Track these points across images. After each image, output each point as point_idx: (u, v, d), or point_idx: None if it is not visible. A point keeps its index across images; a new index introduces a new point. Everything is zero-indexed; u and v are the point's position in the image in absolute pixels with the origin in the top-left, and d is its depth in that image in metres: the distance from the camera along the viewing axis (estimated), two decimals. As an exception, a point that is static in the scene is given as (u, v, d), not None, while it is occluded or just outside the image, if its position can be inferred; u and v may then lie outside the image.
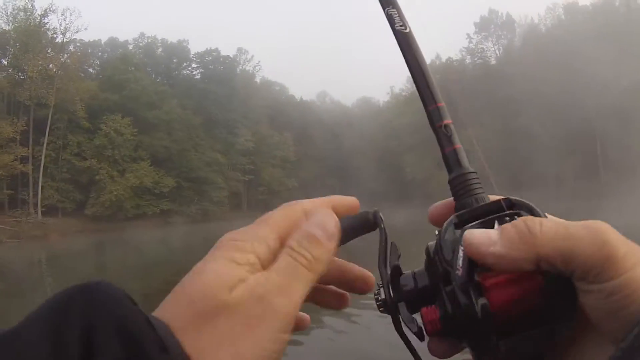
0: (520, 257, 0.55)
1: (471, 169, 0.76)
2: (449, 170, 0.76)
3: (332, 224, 0.62)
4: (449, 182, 0.74)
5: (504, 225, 0.59)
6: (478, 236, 0.58)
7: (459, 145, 0.81)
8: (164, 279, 22.21)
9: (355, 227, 0.66)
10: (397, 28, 0.86)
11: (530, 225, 0.56)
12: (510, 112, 74.48)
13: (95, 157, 65.35)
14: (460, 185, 0.75)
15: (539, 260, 0.55)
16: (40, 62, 60.23)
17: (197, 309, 0.52)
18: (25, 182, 60.73)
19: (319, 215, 0.63)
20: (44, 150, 60.87)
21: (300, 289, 0.57)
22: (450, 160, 0.76)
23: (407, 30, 0.87)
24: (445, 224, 0.66)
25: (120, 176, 66.11)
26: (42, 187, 60.02)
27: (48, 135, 61.68)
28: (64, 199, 63.05)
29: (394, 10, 0.87)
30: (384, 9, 0.87)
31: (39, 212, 59.51)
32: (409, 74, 0.74)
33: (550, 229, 0.56)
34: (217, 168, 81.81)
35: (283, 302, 0.54)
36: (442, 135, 0.77)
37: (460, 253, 0.59)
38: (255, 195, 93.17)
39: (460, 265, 0.59)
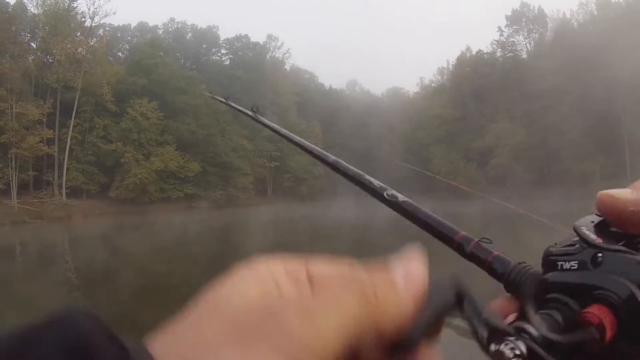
0: None
1: (517, 261, 0.71)
2: (498, 276, 0.72)
3: (421, 276, 0.51)
4: (506, 288, 0.68)
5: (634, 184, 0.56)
6: (616, 190, 0.54)
7: (496, 252, 0.78)
8: (167, 269, 22.26)
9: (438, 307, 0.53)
10: (400, 200, 0.88)
11: None
12: (539, 107, 73.17)
13: (120, 140, 65.33)
14: (519, 276, 0.69)
15: None
16: (68, 46, 60.38)
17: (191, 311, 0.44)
18: (51, 164, 60.96)
19: (410, 261, 0.52)
20: (70, 133, 60.98)
21: (334, 323, 0.43)
22: (496, 266, 0.72)
23: (406, 199, 0.88)
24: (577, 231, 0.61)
25: (145, 160, 66.06)
26: (67, 169, 60.17)
27: (74, 118, 61.74)
28: (88, 181, 63.23)
29: (392, 189, 0.90)
30: (382, 193, 0.90)
31: (64, 193, 59.84)
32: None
33: None
34: (243, 154, 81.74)
35: (303, 331, 0.42)
36: (479, 251, 0.75)
37: (592, 232, 0.56)
38: (280, 182, 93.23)
39: (597, 235, 0.55)
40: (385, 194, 0.89)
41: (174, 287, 17.93)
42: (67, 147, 60.61)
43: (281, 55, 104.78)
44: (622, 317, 0.51)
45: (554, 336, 0.52)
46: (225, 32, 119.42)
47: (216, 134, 76.60)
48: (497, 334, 0.52)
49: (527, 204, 58.73)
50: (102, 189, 64.40)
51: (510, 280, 0.70)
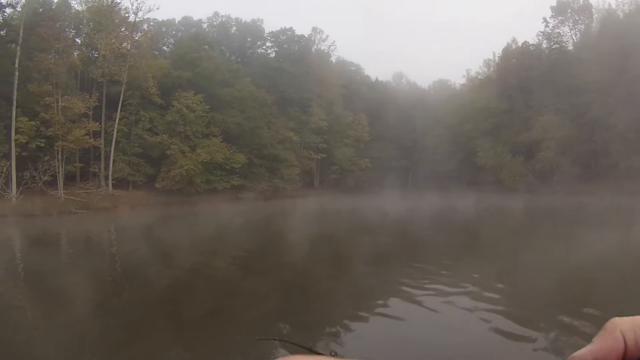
0: (608, 347, 0.56)
1: None
2: None
3: None
4: None
5: None
6: (579, 351, 0.59)
7: None
8: (208, 260, 21.79)
9: None
10: None
11: (611, 320, 0.59)
12: (586, 100, 70.87)
13: (166, 132, 65.08)
14: None
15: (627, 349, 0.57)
16: (113, 41, 60.68)
17: None
18: (97, 156, 61.16)
19: None
20: (116, 125, 61.16)
21: None
22: None
23: None
24: None
25: (191, 151, 65.77)
26: (113, 160, 60.41)
27: (120, 111, 61.83)
28: (135, 172, 63.17)
29: None
30: None
31: (110, 184, 60.03)
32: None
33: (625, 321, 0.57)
34: (290, 146, 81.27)
35: None
36: None
37: None
38: (327, 174, 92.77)
39: None
40: None
41: (213, 278, 17.70)
42: (114, 139, 60.83)
43: (326, 48, 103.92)
44: None
45: None
46: (270, 26, 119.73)
47: (262, 126, 76.07)
48: None
49: (573, 199, 57.28)
50: (148, 180, 64.40)
51: None
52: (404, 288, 14.05)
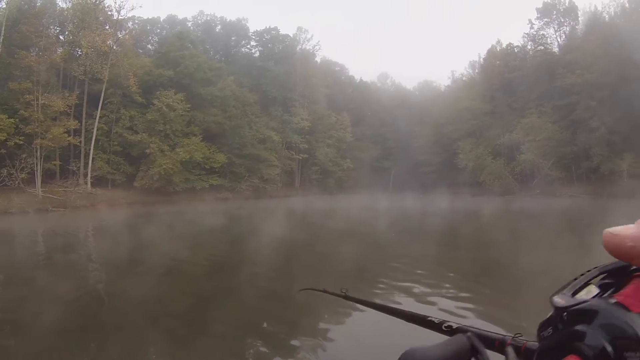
0: None
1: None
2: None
3: None
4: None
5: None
6: (619, 227, 0.58)
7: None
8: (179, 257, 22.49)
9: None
10: (455, 327, 1.06)
11: None
12: (569, 102, 71.83)
13: (146, 131, 65.65)
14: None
15: None
16: (96, 39, 61.24)
17: None
18: (77, 154, 61.59)
19: None
20: (96, 124, 61.70)
21: None
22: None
23: (459, 324, 1.08)
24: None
25: (170, 150, 66.36)
26: (92, 158, 60.91)
27: (101, 109, 62.40)
28: (114, 170, 63.84)
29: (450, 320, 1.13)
30: (441, 325, 1.10)
31: (89, 182, 60.49)
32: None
33: None
34: (271, 146, 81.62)
35: None
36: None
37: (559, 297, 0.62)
38: (308, 175, 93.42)
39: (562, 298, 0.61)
40: (443, 326, 1.05)
41: (178, 276, 18.21)
42: (94, 138, 61.43)
43: (311, 48, 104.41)
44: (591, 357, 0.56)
45: None
46: (255, 25, 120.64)
47: (243, 126, 76.58)
48: None
49: (551, 202, 58.20)
50: (127, 179, 64.99)
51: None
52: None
